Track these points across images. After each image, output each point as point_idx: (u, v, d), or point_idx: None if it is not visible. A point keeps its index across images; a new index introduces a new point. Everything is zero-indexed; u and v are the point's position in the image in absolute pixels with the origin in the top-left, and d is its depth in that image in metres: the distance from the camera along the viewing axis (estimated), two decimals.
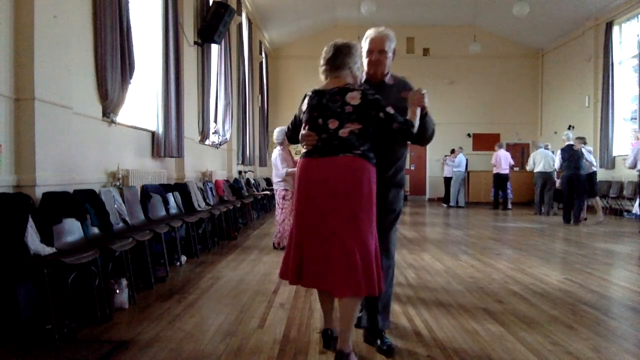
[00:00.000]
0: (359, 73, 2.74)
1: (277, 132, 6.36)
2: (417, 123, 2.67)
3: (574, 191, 9.52)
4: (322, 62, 2.72)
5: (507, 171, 13.02)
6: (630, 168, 8.68)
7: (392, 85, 2.91)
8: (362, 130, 2.59)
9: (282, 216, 6.22)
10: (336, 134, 2.59)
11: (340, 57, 2.66)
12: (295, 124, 2.93)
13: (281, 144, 6.32)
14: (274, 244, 6.34)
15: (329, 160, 2.58)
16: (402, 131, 2.61)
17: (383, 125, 2.60)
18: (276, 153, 6.34)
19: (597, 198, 10.22)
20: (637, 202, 9.42)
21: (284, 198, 6.25)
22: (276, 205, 6.39)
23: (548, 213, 11.33)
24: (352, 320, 2.54)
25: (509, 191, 13.28)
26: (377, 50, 2.85)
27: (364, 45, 2.90)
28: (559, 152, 9.90)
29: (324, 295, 2.76)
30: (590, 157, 9.95)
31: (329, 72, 2.69)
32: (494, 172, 13.13)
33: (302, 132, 2.73)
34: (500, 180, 13.06)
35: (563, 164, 9.66)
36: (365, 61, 2.89)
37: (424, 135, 2.84)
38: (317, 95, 2.70)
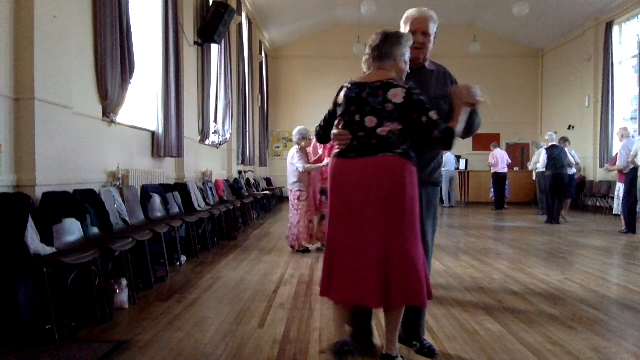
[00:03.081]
0: (405, 66, 2.47)
1: (296, 132, 6.31)
2: (461, 126, 2.46)
3: (558, 190, 9.64)
4: (367, 49, 2.48)
5: (505, 170, 12.93)
6: (624, 166, 8.53)
7: (433, 72, 2.72)
8: (402, 131, 2.37)
9: (298, 217, 6.11)
10: (374, 133, 2.36)
11: (387, 46, 2.41)
12: (328, 120, 2.63)
13: (298, 143, 6.23)
14: (292, 246, 6.16)
15: (367, 160, 2.35)
16: (441, 140, 2.38)
17: (423, 131, 2.36)
18: (292, 152, 6.24)
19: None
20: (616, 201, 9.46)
21: (299, 199, 6.14)
22: (290, 206, 6.25)
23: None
24: (398, 327, 2.46)
25: (506, 190, 13.21)
26: (420, 32, 2.60)
27: (405, 26, 2.67)
28: (543, 151, 10.01)
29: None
30: (577, 157, 10.26)
31: (372, 61, 2.45)
32: (492, 171, 13.02)
33: (335, 130, 2.49)
34: (498, 180, 12.97)
35: (549, 164, 9.77)
36: None
37: (470, 132, 2.69)
38: (357, 87, 2.44)
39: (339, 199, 2.42)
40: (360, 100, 2.40)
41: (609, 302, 3.86)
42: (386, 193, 2.30)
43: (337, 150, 2.47)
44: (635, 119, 11.49)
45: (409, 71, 2.53)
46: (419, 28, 2.60)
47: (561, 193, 9.68)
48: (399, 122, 2.36)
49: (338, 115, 2.51)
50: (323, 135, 2.68)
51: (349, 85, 2.47)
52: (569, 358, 2.68)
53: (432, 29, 2.64)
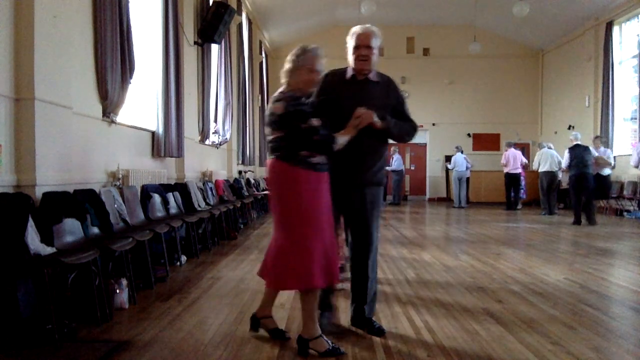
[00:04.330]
0: (310, 76, 2.75)
1: None
2: (343, 140, 2.76)
3: (583, 190, 9.42)
4: None
5: (518, 170, 12.63)
6: (636, 167, 8.65)
7: (377, 82, 3.00)
8: (284, 137, 2.70)
9: None
10: (268, 139, 2.81)
11: (292, 60, 2.74)
12: None
13: None
14: None
15: (266, 163, 2.87)
16: (321, 144, 2.69)
17: (305, 135, 2.67)
18: None
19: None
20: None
21: None
22: None
23: (551, 212, 11.35)
24: (309, 311, 2.73)
25: (522, 191, 12.99)
26: (363, 46, 2.89)
27: (350, 41, 2.94)
28: (566, 151, 9.89)
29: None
30: (611, 158, 10.13)
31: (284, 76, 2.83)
32: (505, 171, 12.74)
33: None
34: (511, 180, 12.70)
35: (571, 163, 9.60)
36: (351, 57, 2.93)
37: (395, 138, 3.06)
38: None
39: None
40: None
41: (609, 302, 3.86)
42: (271, 189, 2.85)
43: None
44: (635, 119, 11.49)
45: (322, 79, 2.89)
46: (362, 42, 2.90)
47: (587, 192, 9.35)
48: (280, 130, 2.72)
49: None
50: None
51: None
52: (569, 358, 2.68)
53: (375, 43, 2.92)
